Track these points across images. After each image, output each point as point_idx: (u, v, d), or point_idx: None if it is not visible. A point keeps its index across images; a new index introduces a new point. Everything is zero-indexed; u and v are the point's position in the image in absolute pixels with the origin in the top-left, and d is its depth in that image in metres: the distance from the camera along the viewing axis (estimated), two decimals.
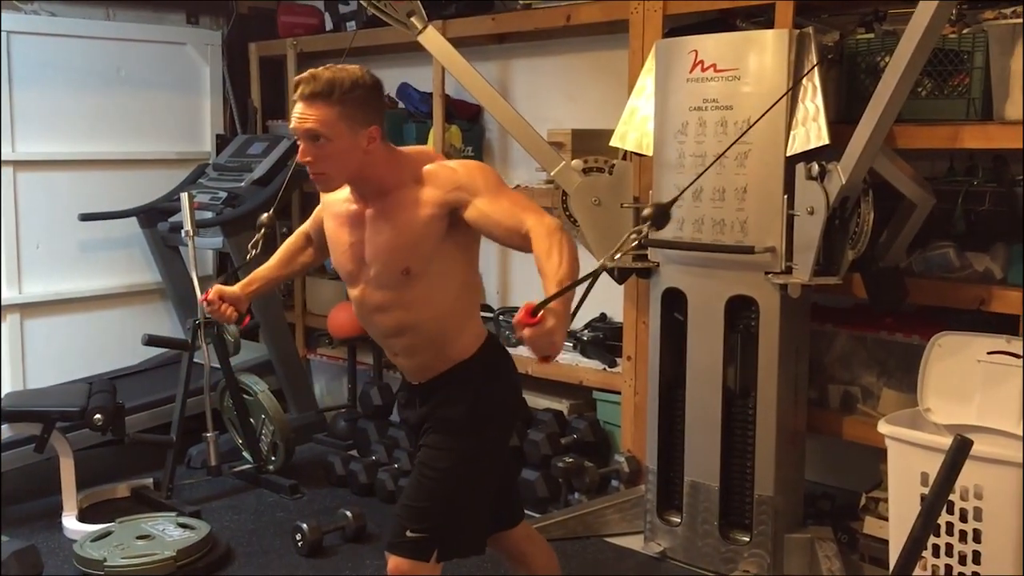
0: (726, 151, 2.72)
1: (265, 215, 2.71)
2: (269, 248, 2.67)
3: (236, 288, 2.48)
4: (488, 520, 2.33)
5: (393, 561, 2.20)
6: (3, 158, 4.36)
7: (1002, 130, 2.75)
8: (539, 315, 1.81)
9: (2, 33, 4.28)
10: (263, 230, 2.65)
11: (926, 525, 1.53)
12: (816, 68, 2.83)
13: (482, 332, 2.30)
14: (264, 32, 5.04)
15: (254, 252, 2.61)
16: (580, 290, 1.91)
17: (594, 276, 1.90)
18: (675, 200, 2.06)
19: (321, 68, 2.09)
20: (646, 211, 1.98)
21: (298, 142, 2.11)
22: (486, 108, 3.42)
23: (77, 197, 4.57)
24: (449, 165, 2.19)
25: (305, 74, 2.08)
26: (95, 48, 4.63)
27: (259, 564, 3.26)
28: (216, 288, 2.45)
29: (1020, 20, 2.73)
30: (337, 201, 2.26)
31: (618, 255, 1.94)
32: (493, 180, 2.14)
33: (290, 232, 4.96)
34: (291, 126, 2.10)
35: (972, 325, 2.82)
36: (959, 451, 1.52)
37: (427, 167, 2.15)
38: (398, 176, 2.14)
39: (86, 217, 4.46)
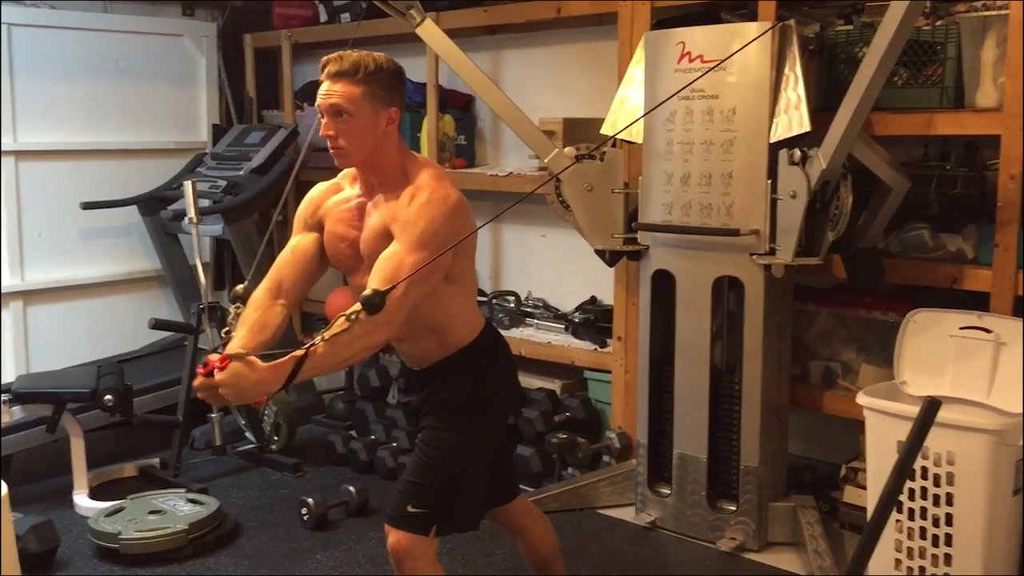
0: (612, 139, 2.85)
1: (239, 286, 2.34)
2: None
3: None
4: (483, 498, 2.43)
5: (394, 536, 2.28)
6: (5, 148, 4.46)
7: (974, 117, 2.91)
8: (227, 362, 1.95)
9: (2, 26, 4.36)
10: (238, 302, 2.30)
11: (899, 478, 1.68)
12: (797, 58, 2.97)
13: (479, 320, 2.40)
14: (259, 24, 5.14)
15: (227, 334, 2.23)
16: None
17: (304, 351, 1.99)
18: (389, 290, 2.01)
19: (348, 51, 2.20)
20: (366, 293, 1.99)
21: (321, 118, 2.20)
22: (481, 98, 3.55)
23: (77, 186, 4.66)
24: (418, 195, 2.17)
25: (333, 55, 2.19)
26: (93, 40, 4.72)
27: (267, 537, 3.39)
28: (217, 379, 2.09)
29: (990, 13, 2.88)
30: (340, 200, 2.34)
31: (327, 336, 1.98)
32: (422, 233, 2.11)
33: (286, 222, 5.11)
34: (316, 103, 2.20)
35: (945, 302, 2.97)
36: (929, 410, 1.67)
37: (411, 187, 2.19)
38: (397, 171, 2.23)
39: (88, 206, 4.55)
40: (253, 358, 2.01)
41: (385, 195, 2.24)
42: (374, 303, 1.99)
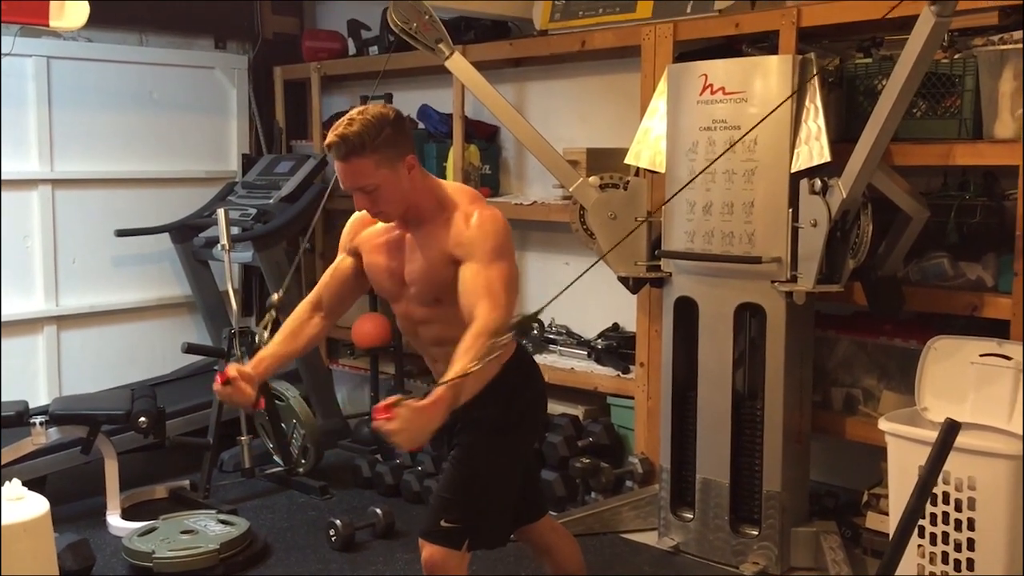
0: (709, 165, 2.91)
1: (275, 295, 2.55)
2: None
3: (248, 368, 2.36)
4: (511, 515, 2.50)
5: (428, 550, 2.35)
6: (42, 177, 4.59)
7: (992, 148, 2.96)
8: (392, 411, 1.91)
9: (30, 59, 4.50)
10: (272, 310, 2.51)
11: (921, 498, 1.73)
12: (818, 90, 3.04)
13: (512, 343, 2.43)
14: (289, 56, 5.26)
15: (266, 335, 2.48)
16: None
17: (462, 376, 2.00)
18: (540, 311, 2.16)
19: (344, 121, 2.19)
20: (515, 318, 2.09)
21: (351, 193, 2.26)
22: (508, 129, 3.63)
23: (110, 214, 4.78)
24: (471, 217, 2.26)
25: (333, 137, 2.18)
26: (129, 72, 4.86)
27: (296, 558, 3.45)
28: (234, 367, 2.34)
29: (1007, 46, 2.94)
30: (375, 233, 2.42)
31: (477, 364, 1.99)
32: (496, 251, 2.21)
33: (313, 250, 5.20)
34: (342, 186, 2.25)
35: (965, 330, 3.01)
36: (949, 431, 1.71)
37: (456, 212, 2.28)
38: (434, 204, 2.31)
39: (122, 233, 4.66)
40: (410, 400, 1.95)
41: (425, 226, 2.32)
42: (529, 328, 2.02)
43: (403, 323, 2.48)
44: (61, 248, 4.69)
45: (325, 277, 2.52)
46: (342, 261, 2.51)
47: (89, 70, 4.73)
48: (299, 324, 2.47)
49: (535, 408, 2.54)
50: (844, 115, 3.25)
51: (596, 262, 2.02)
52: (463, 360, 2.01)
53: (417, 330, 2.43)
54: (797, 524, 3.27)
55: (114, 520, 3.65)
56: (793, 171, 3.07)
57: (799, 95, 3.06)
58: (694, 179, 2.89)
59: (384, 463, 4.14)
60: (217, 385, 2.30)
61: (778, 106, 2.86)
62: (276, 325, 2.51)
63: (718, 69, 3.22)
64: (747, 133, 2.89)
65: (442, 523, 2.34)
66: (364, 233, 2.46)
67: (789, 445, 3.22)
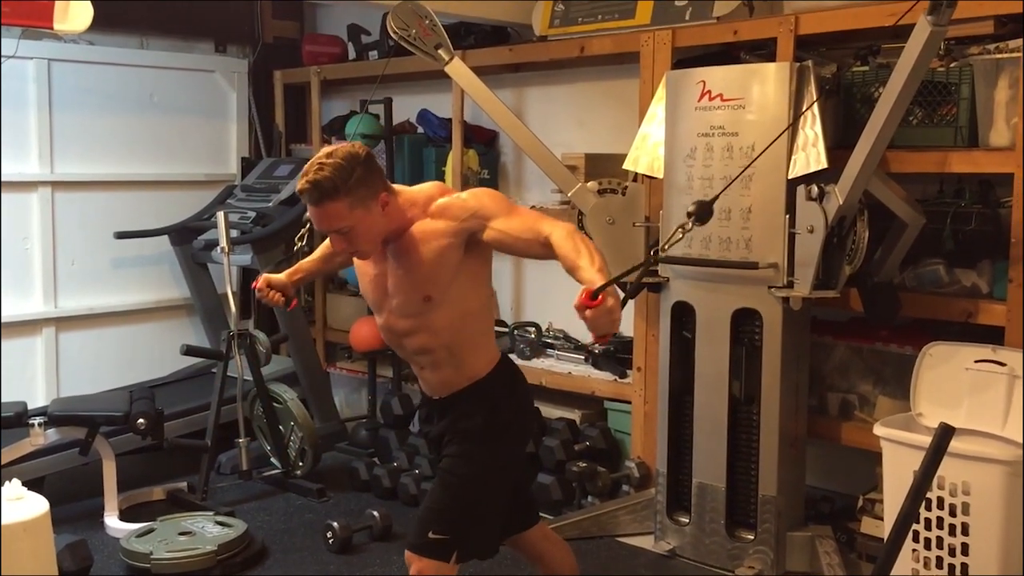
0: (744, 169, 2.92)
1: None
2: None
3: (283, 276, 2.74)
4: (500, 526, 2.49)
5: (416, 564, 2.35)
6: (42, 179, 4.60)
7: (987, 156, 2.98)
8: (599, 297, 1.99)
9: (31, 61, 4.52)
10: (309, 224, 2.80)
11: (915, 501, 1.75)
12: (815, 99, 3.06)
13: (496, 352, 2.49)
14: (289, 60, 5.28)
15: (300, 244, 2.98)
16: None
17: (646, 265, 2.20)
18: (717, 197, 2.29)
19: (315, 166, 2.19)
20: (691, 207, 2.19)
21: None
22: (507, 133, 3.65)
23: (110, 216, 4.80)
24: (460, 196, 2.34)
25: (305, 183, 2.18)
26: (129, 75, 4.88)
27: (293, 560, 3.46)
28: (264, 277, 2.72)
29: (1003, 55, 2.97)
30: None
31: (668, 247, 2.19)
32: (503, 202, 2.33)
33: (311, 252, 5.20)
34: (316, 228, 2.28)
35: (960, 336, 3.03)
36: (943, 436, 1.73)
37: (438, 202, 2.32)
38: (411, 216, 2.32)
39: (122, 235, 4.68)
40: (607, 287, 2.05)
41: (406, 235, 2.32)
42: (704, 212, 2.20)
43: (387, 335, 2.48)
44: (60, 250, 4.70)
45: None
46: None
47: (90, 73, 4.75)
48: (333, 251, 2.67)
49: (521, 416, 2.54)
50: (841, 122, 3.27)
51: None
52: (583, 255, 2.12)
53: (401, 341, 2.43)
54: (793, 528, 3.29)
55: (112, 521, 3.66)
56: (790, 177, 3.09)
57: (796, 102, 3.09)
58: (731, 183, 2.87)
59: (381, 466, 4.15)
60: (255, 287, 2.73)
61: (786, 128, 2.87)
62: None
63: (716, 76, 3.24)
64: (775, 141, 2.88)
65: (430, 535, 2.34)
66: None
67: (785, 450, 3.24)
